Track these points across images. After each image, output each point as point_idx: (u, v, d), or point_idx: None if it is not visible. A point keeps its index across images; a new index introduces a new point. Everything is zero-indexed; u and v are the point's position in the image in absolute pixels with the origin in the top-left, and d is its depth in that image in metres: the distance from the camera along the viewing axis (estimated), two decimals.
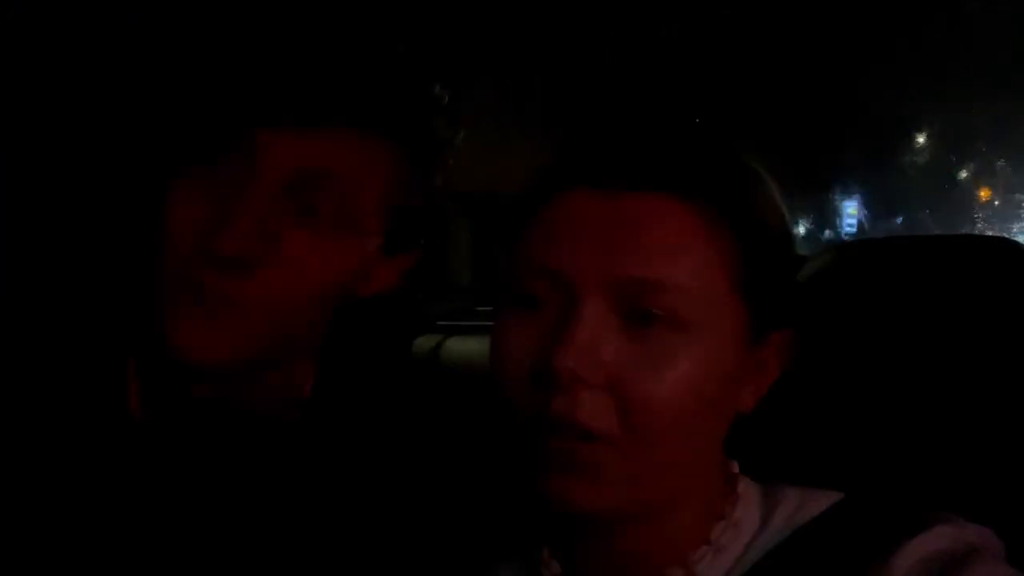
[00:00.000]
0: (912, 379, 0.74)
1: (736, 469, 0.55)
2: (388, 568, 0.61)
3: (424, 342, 1.42)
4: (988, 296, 0.74)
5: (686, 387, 0.47)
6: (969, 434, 0.72)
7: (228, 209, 0.54)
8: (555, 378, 0.46)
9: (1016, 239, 0.90)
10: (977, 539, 0.46)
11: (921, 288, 0.76)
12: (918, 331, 0.74)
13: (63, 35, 0.87)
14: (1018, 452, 0.70)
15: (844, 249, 0.81)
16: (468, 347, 1.37)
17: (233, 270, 0.54)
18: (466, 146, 0.67)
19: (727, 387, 0.50)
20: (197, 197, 0.56)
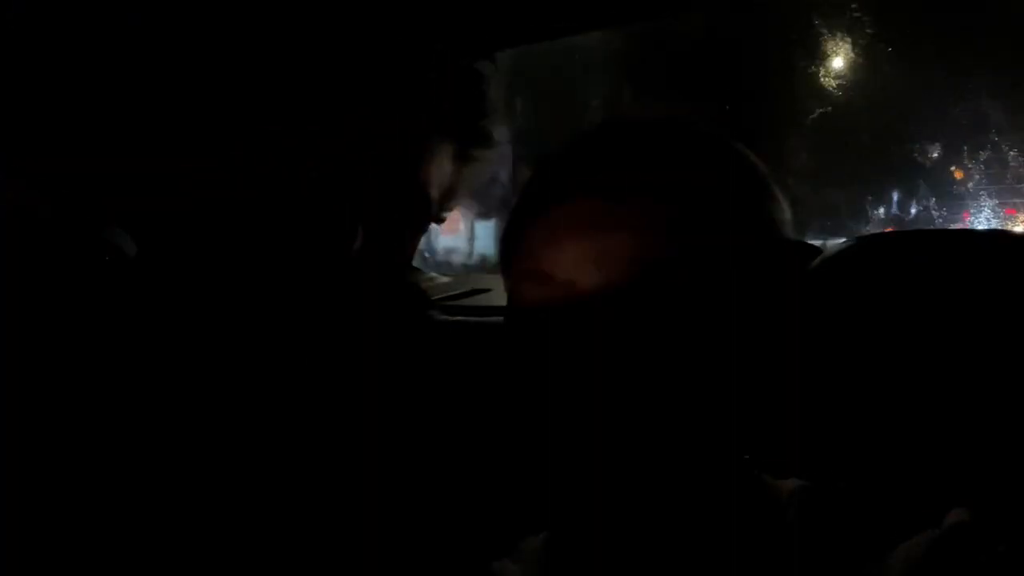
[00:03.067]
0: (917, 374, 0.74)
1: None
2: None
3: None
4: (1003, 290, 0.73)
5: None
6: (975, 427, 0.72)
7: None
8: None
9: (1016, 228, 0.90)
10: (974, 528, 0.46)
11: (936, 281, 0.75)
12: (929, 323, 0.74)
13: (63, 35, 0.87)
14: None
15: (860, 241, 0.81)
16: None
17: None
18: None
19: None
20: None
